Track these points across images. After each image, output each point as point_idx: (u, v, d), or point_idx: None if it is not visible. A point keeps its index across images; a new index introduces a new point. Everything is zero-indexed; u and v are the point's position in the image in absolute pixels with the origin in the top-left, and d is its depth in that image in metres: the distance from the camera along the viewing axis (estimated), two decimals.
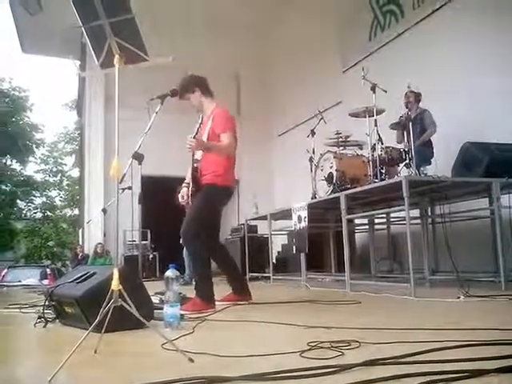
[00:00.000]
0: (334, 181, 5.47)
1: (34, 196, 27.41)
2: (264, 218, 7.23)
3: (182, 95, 3.82)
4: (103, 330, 1.98)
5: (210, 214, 3.72)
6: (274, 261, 7.77)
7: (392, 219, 6.44)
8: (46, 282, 10.64)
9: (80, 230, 14.10)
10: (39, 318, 2.83)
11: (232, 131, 3.72)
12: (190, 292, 3.85)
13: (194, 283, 6.63)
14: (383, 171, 5.16)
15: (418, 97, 5.91)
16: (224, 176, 3.71)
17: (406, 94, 5.81)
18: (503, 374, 1.40)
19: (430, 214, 5.69)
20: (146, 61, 2.20)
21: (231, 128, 3.72)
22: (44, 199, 28.14)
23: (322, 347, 1.87)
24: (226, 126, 3.68)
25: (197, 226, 3.62)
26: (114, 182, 2.24)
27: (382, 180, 4.94)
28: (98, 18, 2.11)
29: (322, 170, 5.81)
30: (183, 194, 3.85)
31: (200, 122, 3.62)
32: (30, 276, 11.44)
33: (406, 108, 5.41)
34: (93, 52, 2.26)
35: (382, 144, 5.27)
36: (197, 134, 3.59)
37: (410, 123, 4.96)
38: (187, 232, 3.62)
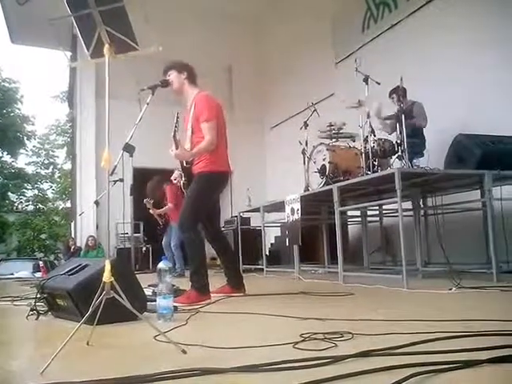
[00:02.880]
0: (327, 173, 5.47)
1: (26, 188, 27.23)
2: (257, 210, 7.22)
3: (168, 70, 3.75)
4: (95, 322, 1.97)
5: (205, 203, 3.68)
6: (267, 253, 7.78)
7: (384, 211, 6.46)
8: (38, 274, 10.58)
9: (72, 223, 14.03)
10: (31, 310, 2.82)
11: (215, 118, 3.61)
12: (183, 284, 3.85)
13: (182, 273, 6.71)
14: (376, 163, 5.16)
15: (403, 91, 5.80)
16: (215, 162, 3.64)
17: (390, 94, 5.73)
18: (495, 364, 1.41)
19: (422, 205, 5.72)
20: (135, 50, 2.18)
21: (214, 115, 3.62)
22: (36, 192, 27.97)
23: (315, 339, 1.87)
24: (209, 113, 3.59)
25: (193, 216, 3.59)
26: (105, 174, 2.22)
27: (374, 172, 4.94)
28: (87, 7, 2.08)
29: (314, 162, 5.81)
30: (176, 176, 3.83)
31: (175, 121, 3.51)
32: (22, 269, 11.39)
33: (399, 101, 5.39)
34: (83, 42, 2.24)
35: (375, 136, 5.26)
36: (175, 133, 3.49)
37: (403, 115, 4.95)
38: (183, 223, 3.60)
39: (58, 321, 2.76)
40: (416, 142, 5.55)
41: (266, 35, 12.17)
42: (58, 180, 28.85)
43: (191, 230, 3.59)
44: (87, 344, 1.93)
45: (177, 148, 3.45)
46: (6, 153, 25.48)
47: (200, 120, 3.60)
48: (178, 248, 7.01)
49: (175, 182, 3.87)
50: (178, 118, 3.47)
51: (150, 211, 7.37)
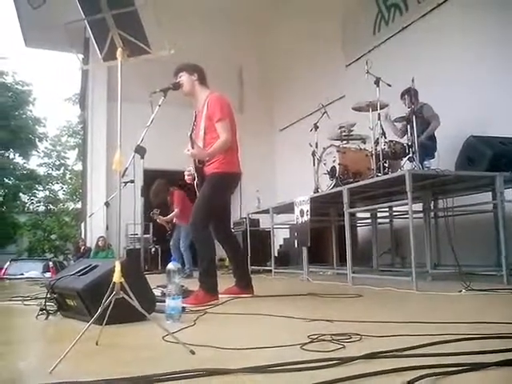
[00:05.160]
0: (337, 175, 5.46)
1: (37, 189, 27.48)
2: (266, 211, 7.23)
3: (179, 71, 3.78)
4: (104, 323, 1.98)
5: (217, 203, 3.70)
6: (276, 254, 7.78)
7: (394, 213, 6.43)
8: (48, 274, 10.66)
9: (82, 224, 14.12)
10: (41, 310, 2.83)
11: (228, 117, 3.65)
12: (192, 285, 3.86)
13: (190, 274, 6.72)
14: (386, 165, 5.14)
15: (415, 93, 5.78)
16: (227, 163, 3.66)
17: (402, 95, 5.70)
18: (504, 367, 1.40)
19: (432, 207, 5.68)
20: (148, 53, 2.19)
21: (227, 114, 3.65)
22: (47, 193, 28.22)
23: (323, 340, 1.86)
24: (222, 113, 3.61)
25: (205, 216, 3.60)
26: (115, 175, 2.23)
27: (385, 174, 4.93)
28: (100, 11, 2.10)
29: (324, 164, 5.80)
30: (189, 172, 3.82)
31: (194, 120, 3.55)
32: (32, 269, 11.46)
33: (410, 103, 5.37)
34: (95, 45, 2.25)
35: (386, 138, 5.25)
36: (192, 131, 3.53)
37: (414, 117, 4.94)
38: (195, 223, 3.60)
39: (67, 321, 2.78)
40: (427, 143, 5.54)
41: (276, 37, 12.17)
42: (69, 181, 29.06)
43: (203, 230, 3.60)
44: (96, 344, 1.94)
45: (193, 148, 3.47)
46: (18, 154, 25.71)
47: (214, 120, 3.62)
48: (188, 248, 7.02)
49: (188, 177, 3.87)
50: (196, 117, 3.51)
51: (158, 221, 7.40)
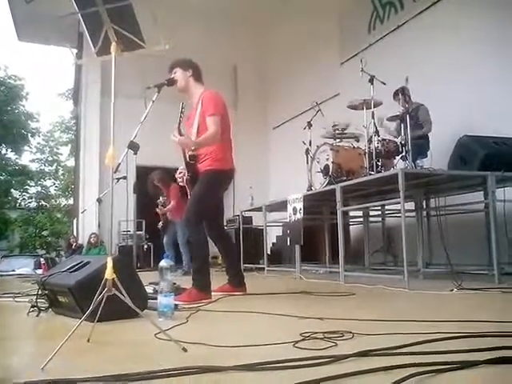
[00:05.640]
0: (330, 173, 5.47)
1: (29, 185, 27.32)
2: (259, 209, 7.23)
3: (173, 67, 3.76)
4: (96, 319, 1.97)
5: (211, 200, 3.70)
6: (269, 252, 7.78)
7: (387, 212, 6.45)
8: (39, 271, 10.61)
9: (75, 220, 14.06)
10: (32, 306, 2.82)
11: (220, 114, 3.62)
12: (188, 282, 3.86)
13: (188, 271, 6.71)
14: (379, 164, 5.16)
15: (407, 91, 5.77)
16: (220, 160, 3.65)
17: (394, 95, 5.70)
18: (493, 365, 1.41)
19: (424, 206, 5.71)
20: (142, 48, 2.18)
21: (220, 110, 3.63)
22: (39, 188, 28.06)
23: (315, 338, 1.87)
24: (215, 109, 3.59)
25: (198, 213, 3.59)
26: (108, 172, 2.22)
27: (378, 172, 4.94)
28: (94, 5, 2.08)
29: (318, 162, 5.81)
30: (181, 170, 3.79)
31: (180, 111, 3.52)
32: (23, 265, 11.41)
33: (405, 102, 5.38)
34: (89, 39, 2.24)
35: (379, 136, 5.26)
36: (180, 123, 3.50)
37: (408, 116, 4.96)
38: (189, 220, 3.60)
39: (58, 317, 2.76)
40: (420, 142, 5.55)
41: (271, 35, 12.15)
42: (62, 177, 28.91)
43: (196, 227, 3.59)
44: (88, 341, 1.93)
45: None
46: (10, 150, 25.57)
47: (206, 115, 3.60)
48: (186, 244, 7.00)
49: (180, 176, 3.84)
50: (183, 108, 3.48)
51: (158, 210, 7.39)
